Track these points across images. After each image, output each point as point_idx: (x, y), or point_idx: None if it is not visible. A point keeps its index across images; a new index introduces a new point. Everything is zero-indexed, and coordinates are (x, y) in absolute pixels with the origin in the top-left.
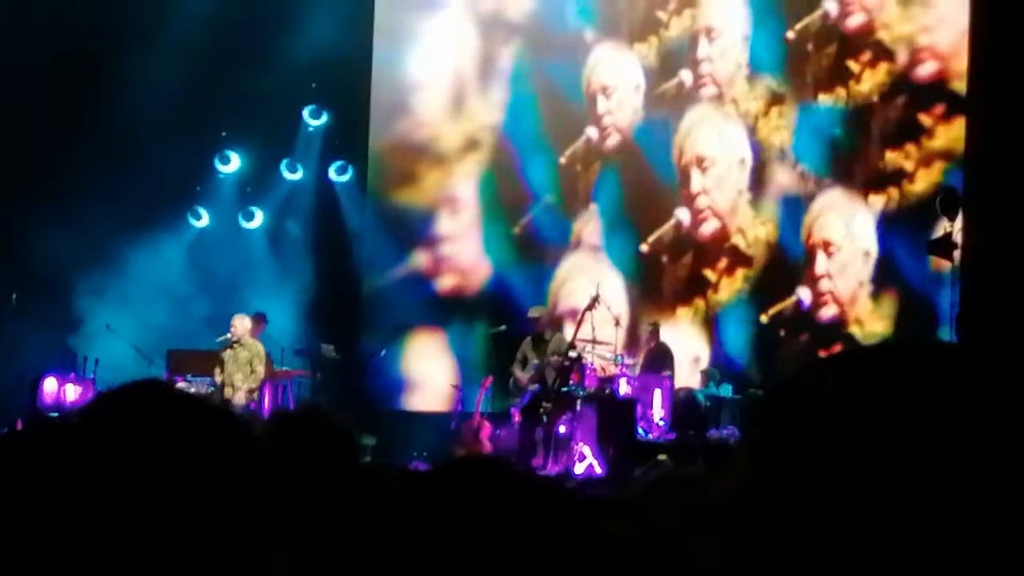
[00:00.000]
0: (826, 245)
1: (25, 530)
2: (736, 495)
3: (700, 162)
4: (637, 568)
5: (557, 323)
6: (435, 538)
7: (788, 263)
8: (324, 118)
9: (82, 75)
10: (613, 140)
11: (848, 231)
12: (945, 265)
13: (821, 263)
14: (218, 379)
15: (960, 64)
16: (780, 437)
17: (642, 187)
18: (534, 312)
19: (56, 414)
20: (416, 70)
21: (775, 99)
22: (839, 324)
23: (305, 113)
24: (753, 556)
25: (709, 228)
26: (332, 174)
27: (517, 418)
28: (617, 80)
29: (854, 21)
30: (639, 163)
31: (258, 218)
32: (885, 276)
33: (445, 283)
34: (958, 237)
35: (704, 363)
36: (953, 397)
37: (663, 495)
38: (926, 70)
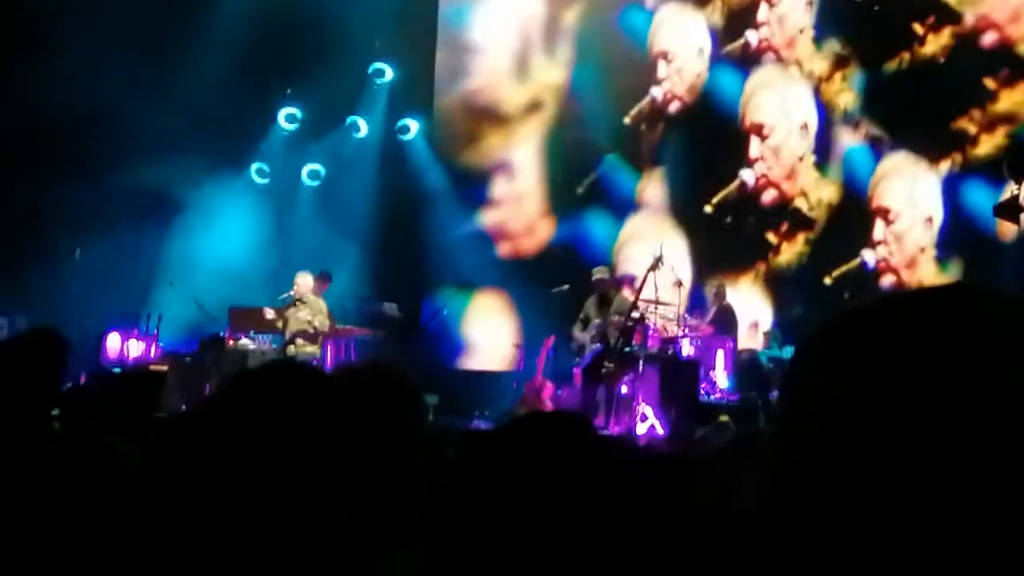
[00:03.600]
0: (885, 212)
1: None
2: (773, 440)
3: (759, 129)
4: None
5: (619, 284)
6: (507, 496)
7: (852, 225)
8: (389, 76)
9: (150, 29)
10: (675, 106)
11: (910, 196)
12: (1012, 229)
13: (879, 230)
14: (285, 334)
15: (1022, 28)
16: (814, 387)
17: (707, 148)
18: (598, 273)
19: (119, 369)
20: (481, 30)
21: (839, 62)
22: (900, 287)
23: (370, 70)
24: (784, 500)
25: (767, 196)
26: (396, 132)
27: (579, 378)
28: (679, 45)
29: None
30: (704, 124)
31: (322, 175)
32: (950, 241)
33: (507, 243)
34: None
35: (765, 326)
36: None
37: (737, 453)
38: (989, 34)
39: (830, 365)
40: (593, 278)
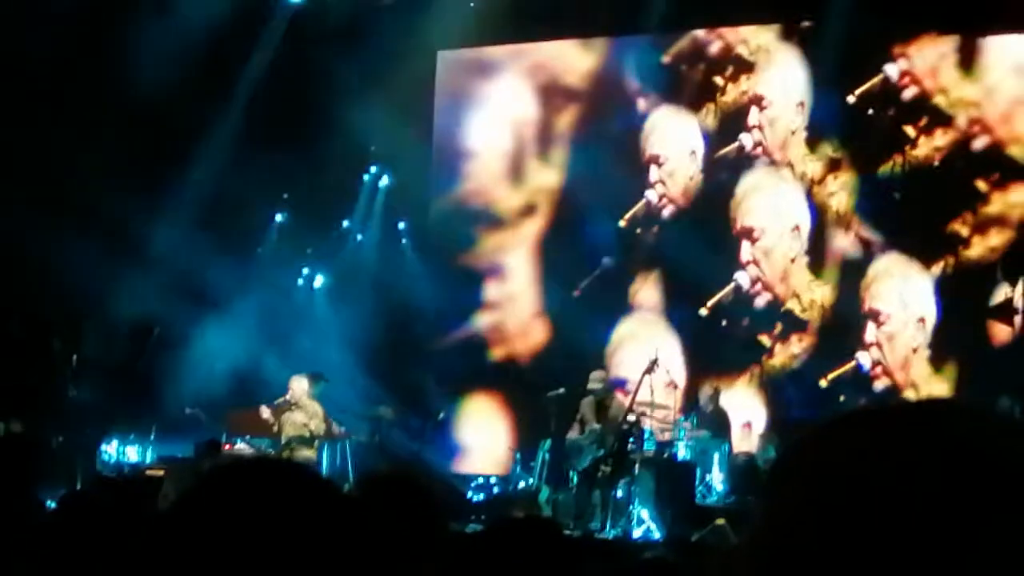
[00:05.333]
0: (876, 315)
1: None
2: (755, 545)
3: (749, 233)
4: None
5: (614, 389)
6: None
7: (846, 326)
8: (385, 180)
9: (147, 134)
10: (669, 209)
11: (901, 298)
12: (1006, 331)
13: (871, 332)
14: (280, 439)
15: (1014, 130)
16: (799, 493)
17: (701, 250)
18: (595, 381)
19: (115, 475)
20: (475, 133)
21: (832, 165)
22: (895, 390)
23: (366, 175)
24: None
25: (761, 299)
26: (392, 236)
27: (575, 481)
28: (672, 148)
29: (913, 87)
30: (698, 227)
31: (318, 280)
32: (943, 343)
33: (501, 346)
34: (1020, 302)
35: (760, 428)
36: (964, 457)
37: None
38: (981, 137)
39: (818, 470)
40: (589, 385)
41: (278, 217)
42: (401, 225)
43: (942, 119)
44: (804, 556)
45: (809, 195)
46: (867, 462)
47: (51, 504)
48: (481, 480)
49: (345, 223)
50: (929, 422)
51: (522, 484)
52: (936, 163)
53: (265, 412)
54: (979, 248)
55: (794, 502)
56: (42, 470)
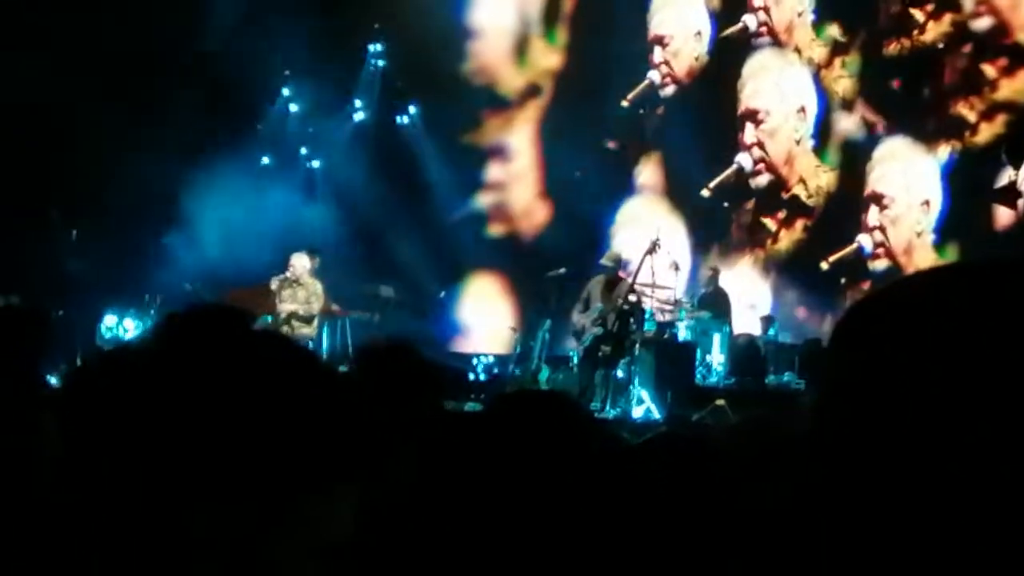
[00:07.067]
0: (879, 198)
1: (97, 471)
2: (813, 434)
3: (754, 115)
4: (695, 509)
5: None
6: (489, 476)
7: (849, 210)
8: (389, 60)
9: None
10: (673, 89)
11: (905, 181)
12: (1009, 214)
13: (873, 215)
14: (280, 314)
15: (1022, 16)
16: (853, 372)
17: (705, 131)
18: (608, 259)
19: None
20: (480, 13)
21: (838, 48)
22: (896, 272)
23: (369, 53)
24: (828, 493)
25: (765, 180)
26: (395, 116)
27: (576, 361)
28: (677, 28)
29: None
30: (702, 107)
31: (319, 157)
32: (948, 226)
33: (504, 226)
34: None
35: (762, 310)
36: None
37: (747, 435)
38: (989, 21)
39: (884, 339)
40: (602, 261)
41: (282, 93)
42: (403, 103)
43: (950, 4)
44: (850, 438)
45: (816, 79)
46: (907, 339)
47: (51, 379)
48: (481, 359)
49: (348, 101)
50: (977, 286)
51: (522, 364)
52: (942, 46)
53: (274, 283)
54: (986, 134)
55: (843, 380)
56: (46, 342)
